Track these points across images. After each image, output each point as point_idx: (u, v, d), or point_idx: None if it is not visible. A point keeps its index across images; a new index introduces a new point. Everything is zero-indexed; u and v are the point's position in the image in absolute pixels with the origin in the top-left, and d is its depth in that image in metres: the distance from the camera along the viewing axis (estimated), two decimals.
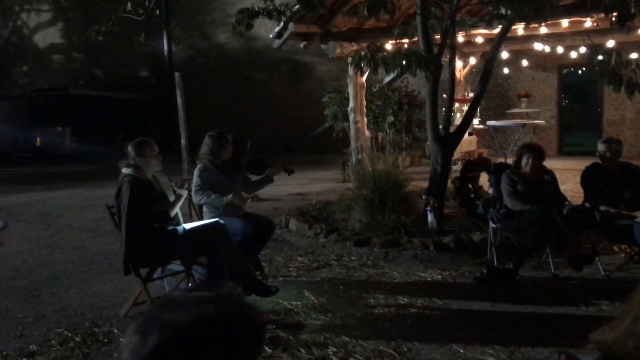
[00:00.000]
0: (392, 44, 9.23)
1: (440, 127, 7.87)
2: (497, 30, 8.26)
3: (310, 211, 8.78)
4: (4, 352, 4.48)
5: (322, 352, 4.29)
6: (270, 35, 10.31)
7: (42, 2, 25.71)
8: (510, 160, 6.82)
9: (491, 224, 6.45)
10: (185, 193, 5.43)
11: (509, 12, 7.21)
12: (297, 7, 8.33)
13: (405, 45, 8.04)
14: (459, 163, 10.30)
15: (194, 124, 11.88)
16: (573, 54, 11.39)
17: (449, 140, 7.91)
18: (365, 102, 11.20)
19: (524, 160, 6.23)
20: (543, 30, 9.43)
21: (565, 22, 9.19)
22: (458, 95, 12.15)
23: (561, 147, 17.11)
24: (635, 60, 7.25)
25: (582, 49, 10.57)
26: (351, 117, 10.92)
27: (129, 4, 8.06)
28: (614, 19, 6.70)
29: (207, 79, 21.86)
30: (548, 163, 6.64)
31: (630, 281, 5.79)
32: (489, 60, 7.93)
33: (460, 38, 9.73)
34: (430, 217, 7.33)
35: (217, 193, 5.61)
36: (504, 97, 17.09)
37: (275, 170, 6.15)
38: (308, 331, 4.69)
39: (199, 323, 1.15)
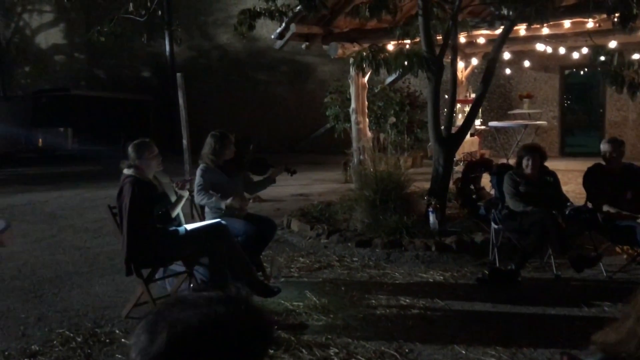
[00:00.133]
0: (394, 45, 9.23)
1: (442, 127, 7.86)
2: (499, 31, 8.24)
3: (312, 212, 8.77)
4: (6, 352, 4.49)
5: (323, 353, 4.29)
6: (272, 36, 10.31)
7: (44, 3, 25.73)
8: (512, 161, 6.81)
9: (493, 225, 6.44)
10: (186, 194, 5.43)
11: (510, 12, 7.20)
12: (298, 7, 8.32)
13: (407, 46, 8.03)
14: (461, 164, 10.29)
15: (196, 124, 11.88)
16: (575, 55, 11.38)
17: (451, 141, 7.90)
18: (367, 102, 11.21)
19: (524, 162, 6.22)
20: (545, 31, 9.42)
21: (567, 23, 9.19)
22: (460, 96, 12.16)
23: (563, 148, 17.08)
24: (638, 60, 7.23)
25: (584, 50, 10.57)
26: (353, 117, 10.93)
27: (131, 4, 8.07)
28: (616, 19, 6.69)
29: (209, 79, 21.87)
30: (550, 164, 6.63)
31: (633, 282, 5.78)
32: (491, 61, 7.92)
33: (462, 39, 9.73)
34: (432, 218, 7.32)
35: (219, 193, 5.61)
36: (506, 97, 17.07)
37: (278, 171, 6.15)
38: (310, 332, 4.69)
39: (208, 323, 1.15)
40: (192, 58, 22.77)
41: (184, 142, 9.32)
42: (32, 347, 4.58)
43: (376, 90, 13.58)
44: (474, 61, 13.06)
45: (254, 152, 6.37)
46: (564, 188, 6.65)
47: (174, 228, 5.12)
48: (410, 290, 5.72)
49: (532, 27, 8.30)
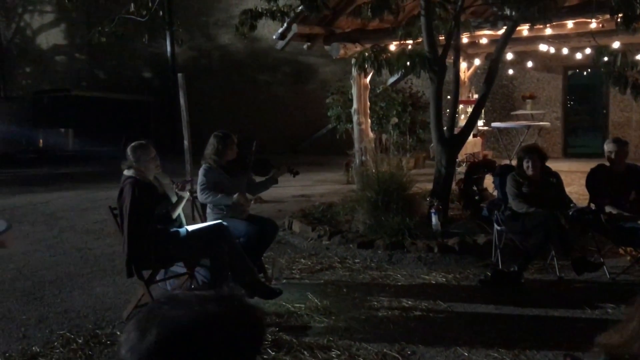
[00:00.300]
0: (396, 45, 9.21)
1: (445, 128, 7.85)
2: (501, 32, 8.22)
3: (313, 213, 8.75)
4: (7, 354, 4.48)
5: (325, 355, 4.27)
6: (274, 37, 10.29)
7: (45, 3, 25.73)
8: (515, 162, 6.79)
9: (496, 226, 6.42)
10: (187, 195, 5.41)
11: (513, 13, 7.17)
12: (300, 8, 8.30)
13: (409, 47, 8.00)
14: (464, 165, 10.27)
15: (197, 125, 11.85)
16: (578, 55, 11.35)
17: (454, 141, 7.87)
18: (369, 103, 11.17)
19: (525, 164, 6.20)
20: (548, 31, 9.39)
21: (570, 23, 9.16)
22: (462, 97, 12.13)
23: (566, 149, 17.04)
24: None
25: (588, 50, 10.55)
26: (355, 118, 10.90)
27: (132, 5, 8.04)
28: (619, 20, 6.67)
29: (210, 80, 21.85)
30: (553, 165, 6.61)
31: (636, 284, 5.77)
32: (494, 62, 7.90)
33: (465, 39, 9.70)
34: (434, 219, 7.29)
35: (222, 193, 5.60)
36: (509, 98, 17.04)
37: (280, 172, 6.13)
38: (311, 334, 4.67)
39: (199, 321, 1.15)
40: (193, 58, 22.75)
41: (185, 142, 9.27)
42: (33, 348, 4.56)
43: (378, 91, 13.54)
44: (477, 62, 13.03)
45: (257, 153, 6.34)
46: (567, 189, 6.63)
47: (175, 229, 5.11)
48: (412, 292, 5.71)
49: (535, 27, 8.30)
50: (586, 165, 6.79)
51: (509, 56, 11.57)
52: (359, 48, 9.35)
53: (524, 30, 9.16)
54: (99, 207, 9.98)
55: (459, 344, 4.42)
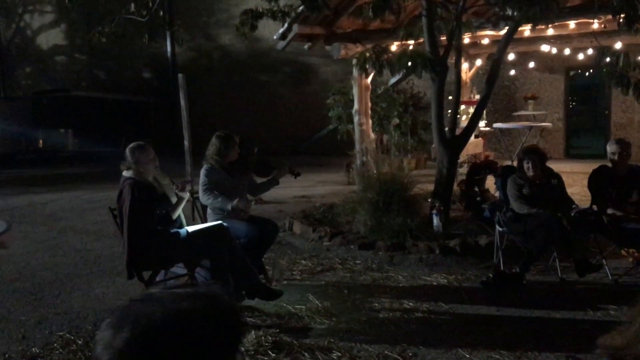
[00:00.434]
0: (397, 46, 9.18)
1: (446, 129, 7.83)
2: (503, 32, 8.21)
3: (314, 214, 8.73)
4: (6, 355, 4.47)
5: (326, 356, 4.25)
6: (275, 37, 10.27)
7: (45, 3, 25.74)
8: (516, 163, 6.78)
9: (497, 228, 6.40)
10: (187, 196, 5.39)
11: (515, 13, 7.15)
12: (301, 8, 8.28)
13: (411, 47, 7.97)
14: (465, 166, 10.25)
15: (197, 126, 11.84)
16: (580, 56, 11.33)
17: (455, 142, 7.85)
18: (370, 104, 11.15)
19: (524, 166, 6.19)
20: (550, 31, 9.35)
21: (572, 24, 9.13)
22: (464, 97, 12.09)
23: (568, 150, 17.03)
24: None
25: (590, 51, 10.52)
26: (356, 119, 10.88)
27: (132, 5, 8.02)
28: (621, 20, 6.64)
29: (211, 80, 21.84)
30: (555, 166, 6.59)
31: (638, 286, 5.74)
32: (496, 62, 7.88)
33: (467, 39, 9.67)
34: (435, 220, 7.27)
35: (223, 194, 5.58)
36: (511, 99, 17.02)
37: (282, 173, 6.11)
38: (312, 335, 4.65)
39: (172, 318, 1.15)
40: (193, 59, 22.74)
41: (185, 143, 9.26)
42: (33, 349, 4.55)
43: (379, 92, 13.51)
44: (478, 62, 13.00)
45: (258, 154, 6.33)
46: (569, 190, 6.60)
47: (175, 230, 5.09)
48: (413, 293, 5.68)
49: (536, 28, 8.25)
50: (588, 167, 6.77)
51: (511, 57, 11.54)
52: (360, 48, 9.33)
53: (526, 30, 9.13)
54: (99, 208, 9.97)
55: (461, 345, 4.40)
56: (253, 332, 4.57)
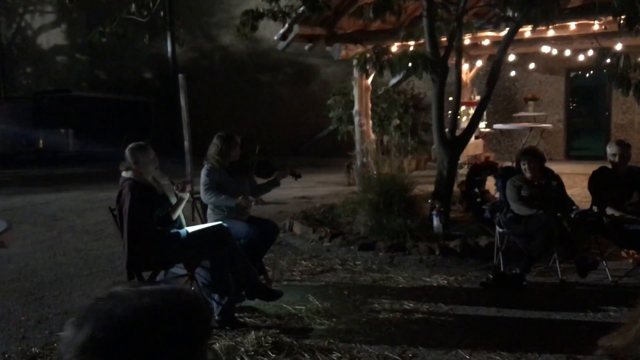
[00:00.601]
0: (398, 46, 9.18)
1: (447, 130, 7.82)
2: (504, 33, 8.20)
3: (314, 215, 8.73)
4: (6, 355, 4.47)
5: (326, 357, 4.25)
6: (275, 37, 10.26)
7: (45, 3, 25.74)
8: (515, 165, 6.78)
9: (498, 229, 6.39)
10: (187, 196, 5.38)
11: (516, 14, 7.16)
12: (302, 8, 8.28)
13: (411, 48, 7.98)
14: (465, 167, 10.24)
15: (198, 126, 11.84)
16: (581, 57, 11.34)
17: (455, 143, 7.85)
18: (370, 104, 11.14)
19: (522, 167, 6.18)
20: (550, 33, 9.37)
21: (573, 25, 9.13)
22: (464, 98, 12.10)
23: (568, 151, 17.02)
24: None
25: (590, 52, 10.53)
26: (356, 120, 10.88)
27: (133, 5, 8.02)
28: (622, 21, 6.64)
29: (211, 81, 21.84)
30: (555, 167, 6.59)
31: (639, 287, 5.73)
32: (496, 63, 7.87)
33: (467, 40, 9.67)
34: (436, 221, 7.27)
35: (224, 194, 5.58)
36: (511, 100, 17.01)
37: (283, 174, 6.11)
38: (312, 336, 4.65)
39: (133, 315, 1.15)
40: (194, 59, 22.74)
41: (186, 143, 9.28)
42: (32, 349, 4.54)
43: (380, 92, 13.50)
44: (479, 63, 13.01)
45: (259, 155, 6.33)
46: (570, 191, 6.60)
47: (175, 231, 5.08)
48: (413, 294, 5.68)
49: (537, 29, 8.24)
50: (588, 168, 6.76)
51: (511, 58, 11.55)
52: (360, 49, 9.33)
53: (527, 31, 9.13)
54: (99, 208, 9.96)
55: (461, 346, 4.40)
56: (253, 332, 4.57)
